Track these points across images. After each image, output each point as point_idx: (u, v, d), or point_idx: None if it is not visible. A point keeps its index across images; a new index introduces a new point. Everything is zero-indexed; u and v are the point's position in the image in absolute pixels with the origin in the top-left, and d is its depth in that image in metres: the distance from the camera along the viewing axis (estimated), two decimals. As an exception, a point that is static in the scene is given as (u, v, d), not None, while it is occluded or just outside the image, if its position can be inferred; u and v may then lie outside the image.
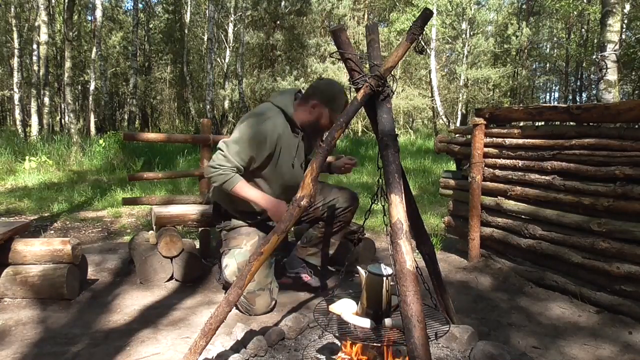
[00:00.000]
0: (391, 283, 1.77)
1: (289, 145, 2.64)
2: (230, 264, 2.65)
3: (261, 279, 2.57)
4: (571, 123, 2.97)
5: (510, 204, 3.26)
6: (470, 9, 18.64)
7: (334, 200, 2.84)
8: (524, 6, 24.07)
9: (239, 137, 2.53)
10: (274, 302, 2.65)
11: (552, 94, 34.36)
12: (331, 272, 3.09)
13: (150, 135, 4.05)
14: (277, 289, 2.71)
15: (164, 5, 23.94)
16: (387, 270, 1.78)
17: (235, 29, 17.59)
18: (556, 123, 3.07)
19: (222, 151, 2.52)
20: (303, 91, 2.77)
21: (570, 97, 25.46)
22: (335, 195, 2.85)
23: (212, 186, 2.78)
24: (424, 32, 1.90)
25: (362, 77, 1.83)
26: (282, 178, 2.67)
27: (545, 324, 2.56)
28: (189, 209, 3.32)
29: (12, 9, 17.44)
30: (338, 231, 2.92)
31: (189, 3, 20.39)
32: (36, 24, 15.71)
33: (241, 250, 2.68)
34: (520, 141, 3.16)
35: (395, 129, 1.81)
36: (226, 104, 17.59)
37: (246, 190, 2.54)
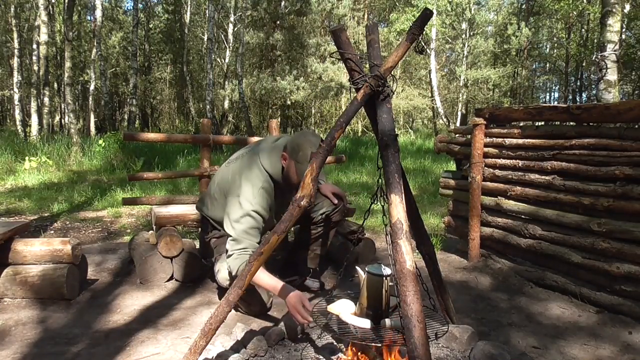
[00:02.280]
0: (390, 283, 1.77)
1: (274, 204, 2.60)
2: (222, 268, 2.60)
3: None
4: (571, 123, 2.97)
5: (510, 204, 3.26)
6: (470, 10, 18.62)
7: (322, 202, 2.86)
8: (523, 6, 24.06)
9: (241, 215, 2.41)
10: (270, 300, 2.65)
11: (552, 94, 34.33)
12: (329, 272, 3.09)
13: (150, 135, 4.06)
14: None
15: (164, 5, 23.93)
16: (386, 270, 1.78)
17: (235, 29, 17.57)
18: (556, 123, 3.07)
19: (231, 236, 2.42)
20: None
21: (570, 97, 25.42)
22: (322, 197, 2.86)
23: (201, 197, 2.69)
24: (424, 32, 1.90)
25: (362, 77, 1.83)
26: (266, 230, 2.60)
27: (545, 324, 2.56)
28: (189, 209, 3.32)
29: (12, 9, 17.44)
30: (329, 231, 2.95)
31: (189, 3, 20.37)
32: (36, 24, 15.72)
33: None
34: (520, 141, 3.16)
35: (395, 129, 1.81)
36: (226, 104, 17.58)
37: (262, 277, 2.26)
